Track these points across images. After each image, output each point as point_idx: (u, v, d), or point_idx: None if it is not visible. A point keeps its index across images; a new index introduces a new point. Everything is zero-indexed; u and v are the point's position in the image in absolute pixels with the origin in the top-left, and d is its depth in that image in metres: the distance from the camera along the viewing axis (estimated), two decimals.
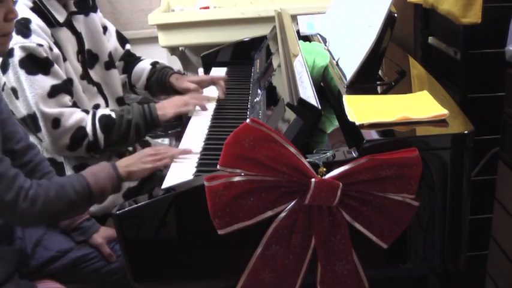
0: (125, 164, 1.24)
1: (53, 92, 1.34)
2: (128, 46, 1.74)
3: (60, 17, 1.41)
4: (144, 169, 1.25)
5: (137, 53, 1.80)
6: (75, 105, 1.44)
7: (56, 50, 1.37)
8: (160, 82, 1.72)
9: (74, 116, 1.37)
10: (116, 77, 1.64)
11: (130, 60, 1.74)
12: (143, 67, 1.73)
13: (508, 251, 1.27)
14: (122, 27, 2.82)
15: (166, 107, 1.48)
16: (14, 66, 1.31)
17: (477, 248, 1.36)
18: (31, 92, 1.32)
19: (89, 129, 1.39)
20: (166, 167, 1.29)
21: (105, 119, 1.41)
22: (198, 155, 1.28)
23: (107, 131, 1.41)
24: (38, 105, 1.32)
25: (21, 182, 1.08)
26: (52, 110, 1.34)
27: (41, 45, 1.31)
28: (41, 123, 1.35)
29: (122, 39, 1.72)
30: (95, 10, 1.58)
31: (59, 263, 1.32)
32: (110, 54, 1.62)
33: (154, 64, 1.75)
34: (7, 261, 1.23)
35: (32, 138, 1.38)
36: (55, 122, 1.35)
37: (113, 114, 1.43)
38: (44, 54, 1.32)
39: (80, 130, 1.38)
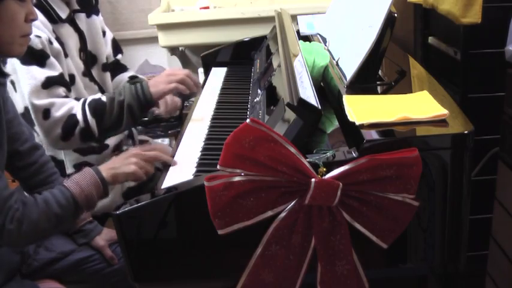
0: (109, 166, 1.17)
1: (47, 83, 1.32)
2: (119, 56, 1.72)
3: (63, 13, 1.42)
4: (126, 173, 1.16)
5: (137, 53, 1.80)
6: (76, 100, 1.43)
7: (56, 44, 1.36)
8: None
9: (65, 106, 1.34)
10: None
11: (115, 68, 1.71)
12: (122, 78, 1.70)
13: (508, 251, 1.27)
14: (122, 27, 2.82)
15: (160, 83, 1.42)
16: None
17: (477, 248, 1.36)
18: (24, 82, 1.31)
19: (79, 115, 1.35)
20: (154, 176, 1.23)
21: (94, 102, 1.37)
22: (196, 159, 1.28)
23: (98, 114, 1.36)
24: (29, 96, 1.31)
25: (12, 203, 1.04)
26: (42, 101, 1.32)
27: (38, 37, 1.30)
28: (33, 116, 1.33)
29: (116, 49, 1.70)
30: (97, 13, 1.58)
31: (60, 264, 1.32)
32: (108, 57, 1.62)
33: (132, 77, 1.68)
34: (9, 261, 1.23)
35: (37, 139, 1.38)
36: (45, 112, 1.33)
37: (103, 98, 1.39)
38: (40, 45, 1.30)
39: (70, 118, 1.35)
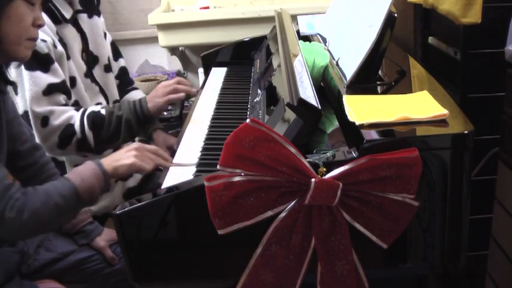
0: (110, 159, 1.17)
1: (49, 90, 1.33)
2: (122, 61, 1.70)
3: (67, 13, 1.42)
4: (127, 164, 1.15)
5: (137, 53, 1.80)
6: (77, 103, 1.43)
7: (60, 47, 1.37)
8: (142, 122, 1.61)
9: (64, 115, 1.36)
10: (113, 80, 1.63)
11: (124, 81, 1.70)
12: (134, 97, 1.67)
13: (508, 251, 1.27)
14: (122, 27, 2.82)
15: (156, 97, 1.45)
16: None
17: (477, 248, 1.36)
18: (27, 88, 1.32)
19: (77, 126, 1.37)
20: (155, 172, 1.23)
21: (93, 115, 1.38)
22: (194, 163, 1.28)
23: (96, 127, 1.38)
24: (30, 103, 1.32)
25: (13, 192, 1.04)
26: (42, 108, 1.33)
27: (44, 41, 1.31)
28: (32, 122, 1.34)
29: (116, 52, 1.69)
30: (98, 14, 1.59)
31: (60, 265, 1.32)
32: (109, 58, 1.61)
33: None
34: (9, 261, 1.23)
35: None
36: (44, 120, 1.34)
37: (103, 111, 1.40)
38: (46, 50, 1.32)
39: (68, 128, 1.36)
